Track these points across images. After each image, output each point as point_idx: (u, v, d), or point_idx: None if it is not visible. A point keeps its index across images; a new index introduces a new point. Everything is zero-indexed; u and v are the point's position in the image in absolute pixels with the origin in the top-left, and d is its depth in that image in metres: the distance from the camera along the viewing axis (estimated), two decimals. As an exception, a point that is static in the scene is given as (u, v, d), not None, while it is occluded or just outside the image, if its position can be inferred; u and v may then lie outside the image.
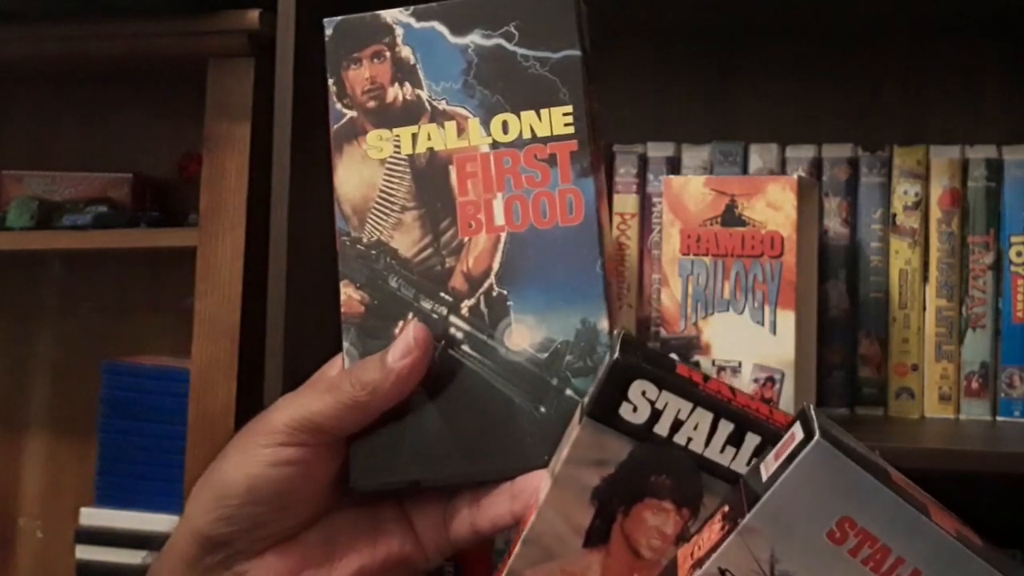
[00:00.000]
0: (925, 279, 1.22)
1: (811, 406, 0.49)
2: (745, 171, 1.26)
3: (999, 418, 1.20)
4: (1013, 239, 1.20)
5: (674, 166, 1.27)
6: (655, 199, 1.25)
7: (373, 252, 0.58)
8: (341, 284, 0.58)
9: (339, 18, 0.57)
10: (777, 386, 1.09)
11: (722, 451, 0.50)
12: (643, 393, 0.50)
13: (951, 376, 1.21)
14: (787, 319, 1.10)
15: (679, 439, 0.50)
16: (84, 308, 1.58)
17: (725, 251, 1.12)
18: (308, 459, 0.52)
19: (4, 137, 1.59)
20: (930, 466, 1.05)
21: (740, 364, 1.11)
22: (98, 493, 1.40)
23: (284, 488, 0.52)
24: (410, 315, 0.56)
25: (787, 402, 1.09)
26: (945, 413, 1.21)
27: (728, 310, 1.12)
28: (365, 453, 0.53)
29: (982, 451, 1.05)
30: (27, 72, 1.52)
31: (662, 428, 0.50)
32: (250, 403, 1.21)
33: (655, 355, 0.50)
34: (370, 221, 0.59)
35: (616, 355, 0.50)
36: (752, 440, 0.50)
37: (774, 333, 1.10)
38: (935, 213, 1.22)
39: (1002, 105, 1.31)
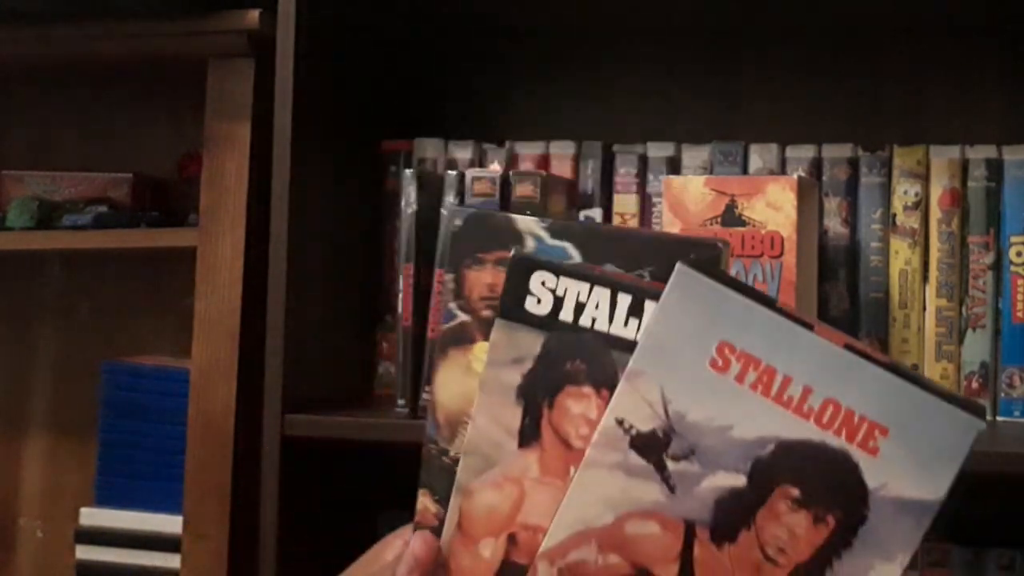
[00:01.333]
0: (925, 279, 1.22)
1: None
2: (745, 171, 1.25)
3: (999, 418, 1.20)
4: (1013, 239, 1.20)
5: (674, 166, 1.27)
6: (655, 199, 1.25)
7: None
8: (420, 491, 0.56)
9: (472, 211, 0.54)
10: (777, 386, 1.09)
11: (626, 324, 0.51)
12: (543, 283, 0.52)
13: (951, 376, 1.21)
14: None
15: (584, 321, 0.51)
16: (84, 308, 1.58)
17: (725, 251, 1.12)
18: None
19: (4, 137, 1.59)
20: (930, 466, 1.05)
21: (740, 364, 1.11)
22: (98, 493, 1.40)
23: None
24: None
25: (787, 402, 1.09)
26: (945, 413, 1.20)
27: (728, 310, 1.12)
28: None
29: (982, 451, 1.05)
30: (27, 72, 1.52)
31: (567, 314, 0.51)
32: (250, 403, 1.21)
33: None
34: (462, 435, 0.56)
35: (515, 253, 0.52)
36: (651, 307, 0.51)
37: (774, 333, 1.10)
38: (935, 213, 1.22)
39: (1002, 105, 1.31)
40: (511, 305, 0.52)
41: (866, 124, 1.33)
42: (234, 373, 1.24)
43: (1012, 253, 1.20)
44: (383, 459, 1.25)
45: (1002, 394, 1.20)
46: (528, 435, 0.52)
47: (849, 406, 0.48)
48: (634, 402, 0.48)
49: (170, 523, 1.30)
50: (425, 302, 1.12)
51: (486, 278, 0.56)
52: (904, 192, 1.22)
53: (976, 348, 1.20)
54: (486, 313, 0.56)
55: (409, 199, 1.16)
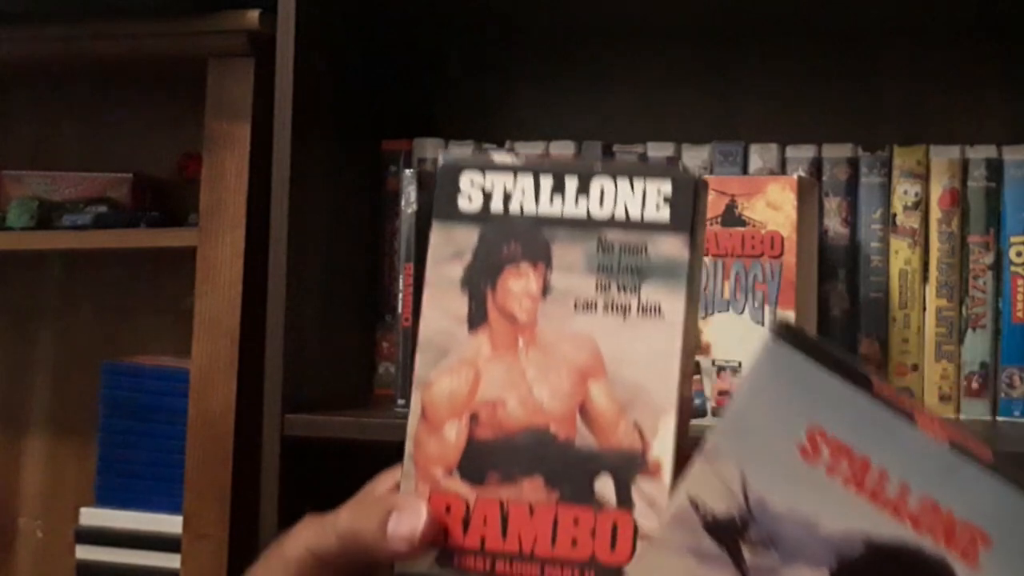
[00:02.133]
0: (925, 279, 1.22)
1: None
2: (745, 171, 1.25)
3: (999, 418, 1.20)
4: (1013, 239, 1.20)
5: (674, 166, 1.27)
6: (655, 199, 1.25)
7: None
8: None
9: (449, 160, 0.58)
10: (777, 386, 1.09)
11: (551, 203, 0.55)
12: (472, 182, 0.55)
13: (951, 376, 1.21)
14: (787, 319, 1.10)
15: (514, 208, 0.55)
16: (84, 308, 1.58)
17: (725, 251, 1.12)
18: None
19: (4, 137, 1.59)
20: (930, 466, 1.05)
21: (740, 364, 1.11)
22: (98, 493, 1.40)
23: None
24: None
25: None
26: (945, 413, 1.21)
27: (728, 310, 1.12)
28: None
29: (982, 451, 1.05)
30: (27, 72, 1.52)
31: (497, 205, 0.55)
32: (250, 403, 1.21)
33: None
34: None
35: (442, 159, 0.55)
36: (571, 183, 0.55)
37: (774, 333, 1.10)
38: (935, 213, 1.22)
39: (1002, 105, 1.31)
40: (445, 206, 0.55)
41: (866, 124, 1.33)
42: (234, 373, 1.24)
43: (1012, 253, 1.20)
44: (383, 459, 1.25)
45: (1002, 394, 1.20)
46: (476, 319, 0.54)
47: (950, 509, 0.45)
48: (711, 484, 0.46)
49: (170, 523, 1.30)
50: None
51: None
52: (904, 192, 1.22)
53: (976, 348, 1.20)
54: None
55: (409, 199, 1.16)
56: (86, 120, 1.57)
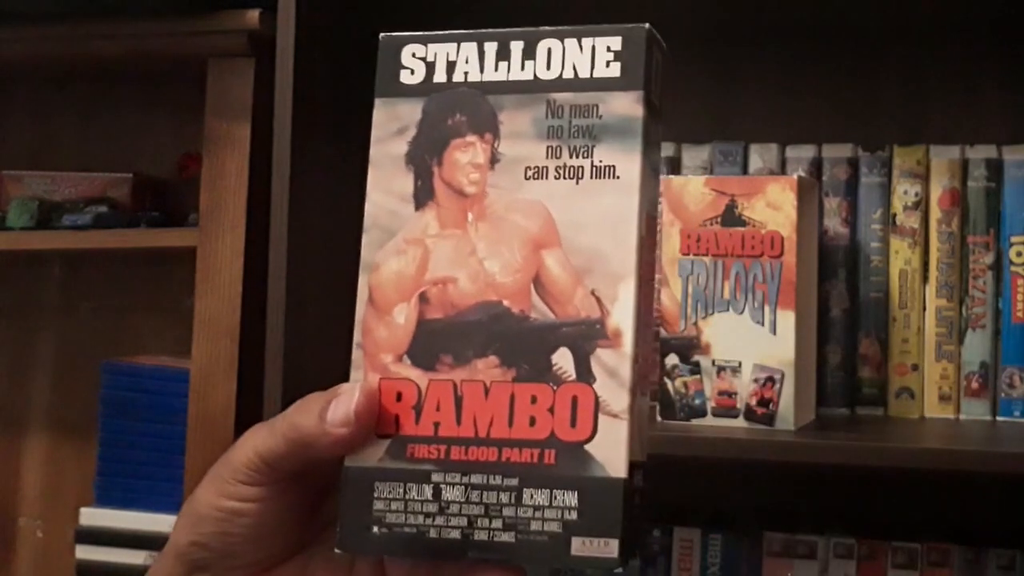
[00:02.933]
0: (925, 279, 1.22)
1: None
2: (745, 171, 1.26)
3: (999, 418, 1.20)
4: (1013, 239, 1.20)
5: (674, 166, 1.27)
6: (655, 199, 1.25)
7: None
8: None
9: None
10: (777, 386, 1.09)
11: (496, 69, 0.53)
12: (414, 55, 0.55)
13: (951, 376, 1.21)
14: (787, 319, 1.10)
15: (458, 78, 0.53)
16: (84, 308, 1.58)
17: (725, 251, 1.12)
18: (271, 496, 0.52)
19: (4, 137, 1.59)
20: (930, 466, 1.06)
21: (740, 364, 1.11)
22: (98, 493, 1.40)
23: (252, 522, 0.52)
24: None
25: (787, 402, 1.09)
26: (945, 413, 1.21)
27: (728, 310, 1.12)
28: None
29: (982, 451, 1.05)
30: (27, 72, 1.52)
31: (440, 76, 0.54)
32: (250, 403, 1.21)
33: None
34: None
35: (382, 35, 0.55)
36: (517, 47, 0.53)
37: (774, 333, 1.10)
38: (935, 213, 1.22)
39: (1002, 105, 1.31)
40: (387, 82, 0.55)
41: (866, 124, 1.33)
42: (234, 373, 1.24)
43: (1012, 253, 1.20)
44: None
45: (1002, 394, 1.20)
46: (422, 196, 0.53)
47: None
48: None
49: (170, 523, 1.29)
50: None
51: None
52: (904, 192, 1.22)
53: (976, 348, 1.20)
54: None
55: (409, 199, 1.16)
56: (86, 120, 1.57)
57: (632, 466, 0.48)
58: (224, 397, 1.24)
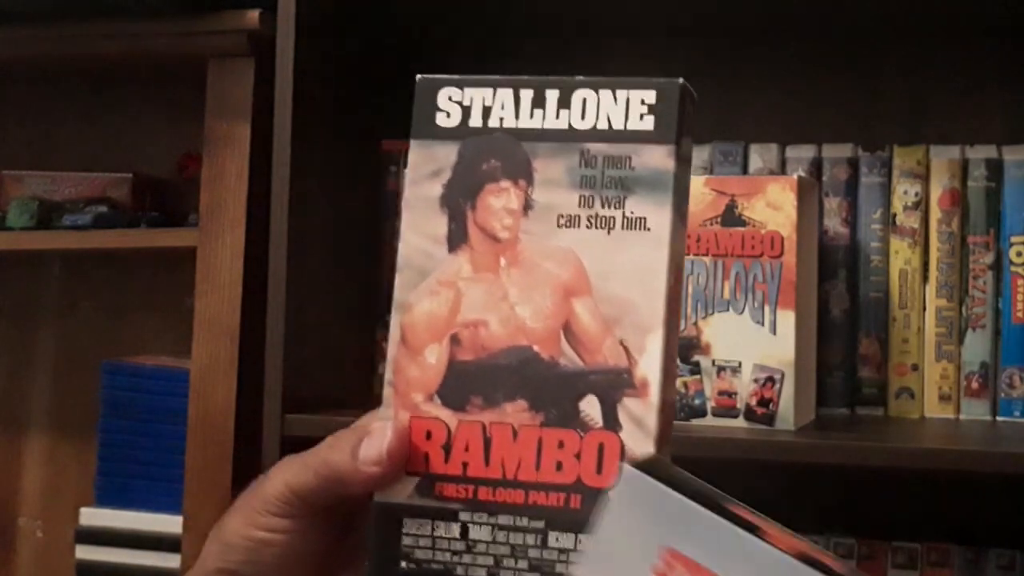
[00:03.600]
0: (925, 279, 1.22)
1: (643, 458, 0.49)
2: (745, 171, 1.25)
3: (999, 418, 1.20)
4: (1013, 239, 1.20)
5: (674, 166, 1.27)
6: (655, 199, 1.25)
7: None
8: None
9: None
10: (777, 386, 1.09)
11: (531, 116, 0.54)
12: (450, 98, 0.55)
13: (951, 376, 1.21)
14: (787, 319, 1.10)
15: (493, 123, 0.54)
16: (84, 308, 1.58)
17: (725, 251, 1.12)
18: (300, 528, 0.53)
19: (4, 137, 1.59)
20: (930, 466, 1.06)
21: (740, 364, 1.11)
22: (98, 493, 1.40)
23: (280, 552, 0.53)
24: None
25: (787, 402, 1.09)
26: (945, 413, 1.21)
27: (728, 310, 1.12)
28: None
29: (982, 451, 1.05)
30: (27, 72, 1.52)
31: (476, 120, 0.54)
32: (250, 403, 1.21)
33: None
34: None
35: (419, 76, 0.55)
36: (552, 95, 0.54)
37: (774, 333, 1.10)
38: (935, 213, 1.22)
39: (1002, 105, 1.31)
40: (423, 124, 0.54)
41: (866, 124, 1.33)
42: (234, 373, 1.24)
43: (1012, 253, 1.20)
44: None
45: (1002, 394, 1.20)
46: (456, 239, 0.53)
47: None
48: None
49: (170, 523, 1.30)
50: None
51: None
52: (904, 192, 1.22)
53: (976, 348, 1.20)
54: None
55: (409, 199, 1.16)
56: (86, 120, 1.57)
57: None
58: (224, 397, 1.24)
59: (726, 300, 1.12)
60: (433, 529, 0.51)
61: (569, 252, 0.52)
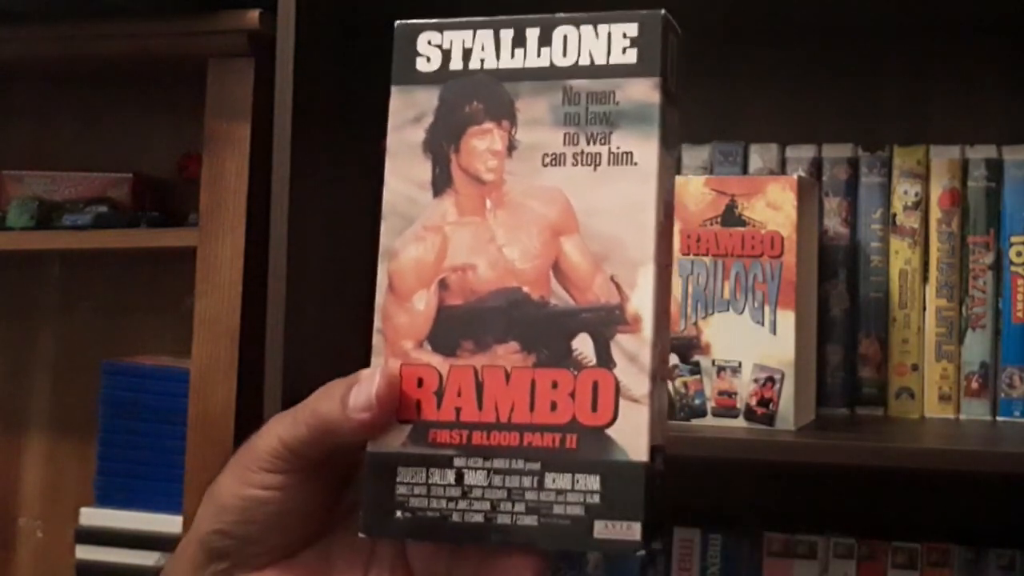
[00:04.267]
0: (925, 279, 1.22)
1: None
2: (745, 171, 1.26)
3: (999, 418, 1.20)
4: (1013, 239, 1.20)
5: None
6: (655, 199, 1.25)
7: None
8: None
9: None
10: (777, 386, 1.09)
11: (512, 56, 0.53)
12: (430, 42, 0.53)
13: (951, 376, 1.21)
14: (787, 319, 1.10)
15: (474, 65, 0.53)
16: (84, 308, 1.58)
17: (725, 251, 1.12)
18: (294, 484, 0.52)
19: (4, 137, 1.59)
20: (930, 466, 1.06)
21: (740, 364, 1.11)
22: (98, 493, 1.40)
23: (274, 510, 0.52)
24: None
25: (787, 402, 1.09)
26: (945, 413, 1.21)
27: (728, 310, 1.12)
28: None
29: (982, 451, 1.05)
30: (27, 72, 1.52)
31: (456, 63, 0.53)
32: (250, 403, 1.21)
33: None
34: None
35: (398, 22, 0.54)
36: (532, 34, 0.53)
37: (774, 333, 1.10)
38: (935, 213, 1.22)
39: (1002, 105, 1.31)
40: (403, 70, 0.54)
41: (866, 124, 1.33)
42: (234, 373, 1.24)
43: (1012, 253, 1.20)
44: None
45: (1002, 394, 1.20)
46: (440, 183, 0.53)
47: None
48: None
49: (170, 523, 1.30)
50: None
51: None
52: (904, 192, 1.22)
53: (976, 348, 1.20)
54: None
55: (409, 199, 1.16)
56: (86, 120, 1.57)
57: (653, 450, 0.49)
58: (224, 397, 1.24)
59: (726, 300, 1.12)
60: (428, 476, 0.50)
61: (555, 191, 0.51)
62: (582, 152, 0.51)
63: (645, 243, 0.50)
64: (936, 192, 1.22)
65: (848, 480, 1.28)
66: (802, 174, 1.19)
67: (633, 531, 0.48)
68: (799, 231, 1.11)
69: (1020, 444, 1.10)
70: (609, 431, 0.49)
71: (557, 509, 0.49)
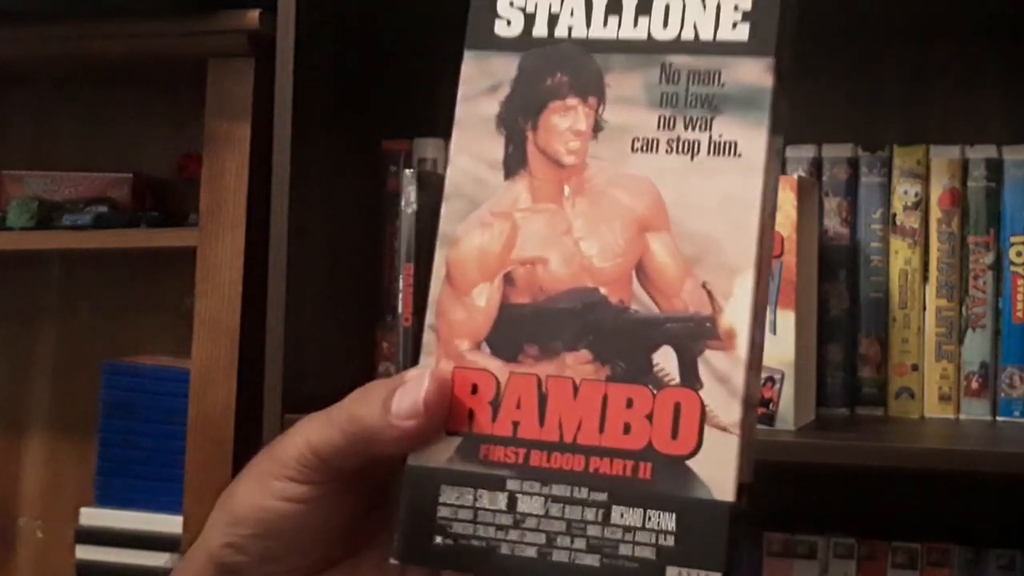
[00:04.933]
0: (925, 279, 1.22)
1: None
2: (745, 171, 1.25)
3: (999, 418, 1.20)
4: (1013, 239, 1.20)
5: (674, 166, 1.27)
6: (655, 199, 1.25)
7: None
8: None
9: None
10: (777, 386, 1.09)
11: (605, 24, 0.46)
12: (512, 4, 0.48)
13: (951, 376, 1.21)
14: (787, 319, 1.10)
15: (560, 32, 0.46)
16: (84, 308, 1.58)
17: (725, 251, 1.12)
18: (322, 497, 0.45)
19: (4, 137, 1.59)
20: (930, 466, 1.06)
21: (740, 364, 1.11)
22: (98, 493, 1.40)
23: (297, 525, 0.46)
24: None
25: (787, 402, 1.09)
26: (945, 413, 1.21)
27: (728, 310, 1.12)
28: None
29: (982, 451, 1.05)
30: (27, 72, 1.52)
31: (540, 29, 0.47)
32: (250, 403, 1.21)
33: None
34: None
35: None
36: (629, 1, 0.46)
37: (774, 333, 1.10)
38: (935, 213, 1.22)
39: (1002, 105, 1.31)
40: (479, 33, 0.48)
41: (866, 124, 1.33)
42: (234, 373, 1.24)
43: (1012, 253, 1.20)
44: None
45: (1002, 394, 1.20)
46: (514, 164, 0.46)
47: None
48: None
49: (170, 523, 1.30)
50: (426, 302, 1.12)
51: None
52: (904, 192, 1.22)
53: (976, 348, 1.20)
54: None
55: (409, 199, 1.16)
56: (86, 120, 1.57)
57: (740, 488, 0.43)
58: (224, 397, 1.24)
59: (726, 300, 1.12)
60: (476, 499, 0.44)
61: (645, 181, 0.45)
62: (679, 138, 0.45)
63: (745, 246, 0.43)
64: (936, 192, 1.22)
65: (848, 480, 1.28)
66: (802, 174, 1.19)
67: None
68: (799, 231, 1.10)
69: (1020, 444, 1.10)
70: (690, 463, 0.42)
71: (623, 549, 0.42)
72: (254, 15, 1.24)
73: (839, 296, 1.23)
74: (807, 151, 1.25)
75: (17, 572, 1.58)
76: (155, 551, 1.33)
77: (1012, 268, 1.20)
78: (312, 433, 0.46)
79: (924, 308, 1.22)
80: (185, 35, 1.28)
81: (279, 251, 1.16)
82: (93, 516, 1.38)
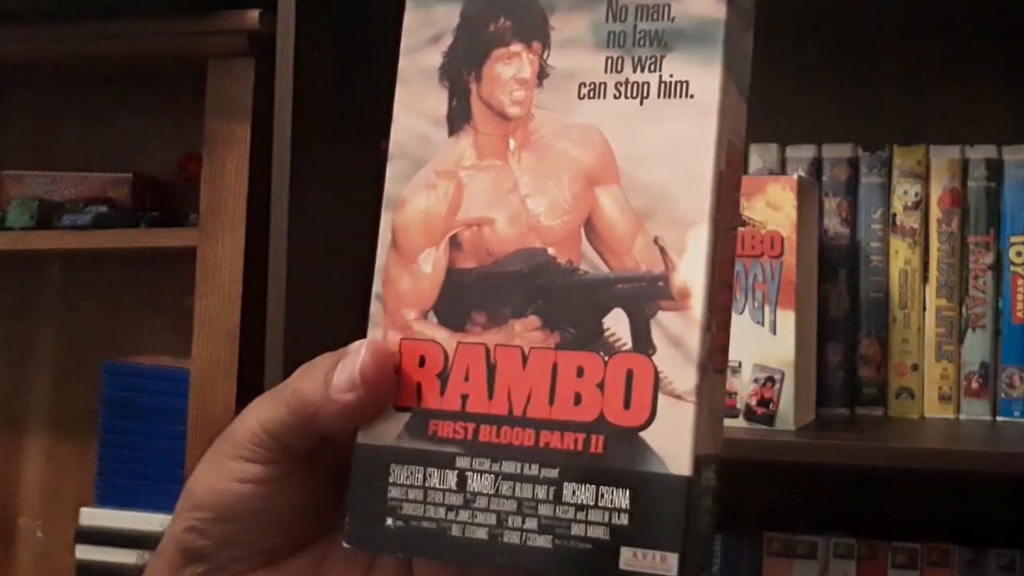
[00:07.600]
0: (925, 279, 1.22)
1: None
2: (745, 171, 1.25)
3: (999, 418, 1.20)
4: (1013, 239, 1.20)
5: (674, 166, 1.27)
6: (655, 199, 1.25)
7: None
8: None
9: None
10: (777, 386, 1.09)
11: None
12: None
13: (951, 376, 1.21)
14: (787, 319, 1.10)
15: None
16: (84, 308, 1.58)
17: (725, 251, 1.12)
18: (280, 477, 0.44)
19: (4, 137, 1.59)
20: (930, 466, 1.06)
21: (740, 364, 1.11)
22: (98, 493, 1.40)
23: (256, 507, 0.44)
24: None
25: (787, 402, 1.09)
26: (945, 413, 1.21)
27: (728, 310, 1.12)
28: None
29: (982, 451, 1.05)
30: (27, 72, 1.52)
31: None
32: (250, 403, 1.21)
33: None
34: None
35: None
36: None
37: (774, 333, 1.10)
38: (935, 213, 1.22)
39: (1002, 105, 1.31)
40: None
41: (866, 124, 1.33)
42: (234, 373, 1.24)
43: (1012, 253, 1.20)
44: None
45: (1002, 394, 1.20)
46: (457, 118, 0.43)
47: None
48: None
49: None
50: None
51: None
52: (904, 192, 1.22)
53: (976, 348, 1.20)
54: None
55: (409, 199, 1.16)
56: (86, 120, 1.57)
57: (699, 461, 0.39)
58: (224, 397, 1.24)
59: (726, 300, 1.12)
60: (425, 478, 0.41)
61: (592, 130, 0.42)
62: (627, 81, 0.41)
63: (699, 196, 0.40)
64: (936, 192, 1.22)
65: (848, 480, 1.28)
66: (802, 174, 1.19)
67: (668, 564, 0.38)
68: (799, 231, 1.11)
69: (1020, 444, 1.10)
70: (644, 434, 0.39)
71: (576, 530, 0.40)
72: (254, 15, 1.24)
73: (839, 296, 1.23)
74: (807, 151, 1.25)
75: (17, 572, 1.58)
76: (155, 551, 1.33)
77: (1012, 268, 1.20)
78: (262, 411, 0.44)
79: (924, 308, 1.22)
80: (185, 35, 1.28)
81: (279, 251, 1.16)
82: (93, 516, 1.38)
